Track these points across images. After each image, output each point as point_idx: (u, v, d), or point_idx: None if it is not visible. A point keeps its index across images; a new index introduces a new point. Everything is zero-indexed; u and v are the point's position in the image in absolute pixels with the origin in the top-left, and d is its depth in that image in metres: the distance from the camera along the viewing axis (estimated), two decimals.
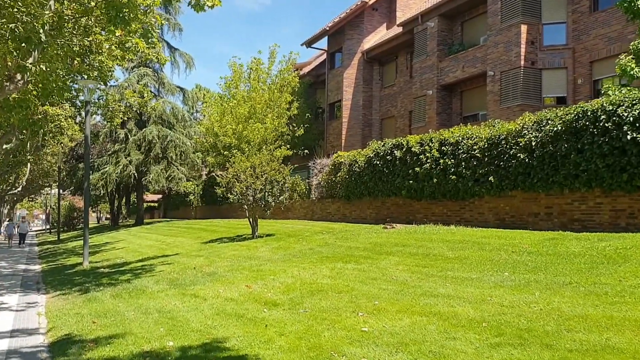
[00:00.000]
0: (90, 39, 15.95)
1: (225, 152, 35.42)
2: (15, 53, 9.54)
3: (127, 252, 19.73)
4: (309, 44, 35.37)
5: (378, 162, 19.17)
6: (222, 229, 23.14)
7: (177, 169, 37.60)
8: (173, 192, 45.95)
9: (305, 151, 29.26)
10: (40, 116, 25.71)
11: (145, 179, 37.19)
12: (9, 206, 59.34)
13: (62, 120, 27.77)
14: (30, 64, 9.67)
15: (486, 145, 14.94)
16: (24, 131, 27.38)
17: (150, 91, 30.50)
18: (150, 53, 18.68)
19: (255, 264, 11.82)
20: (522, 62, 21.80)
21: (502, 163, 14.36)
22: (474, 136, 15.55)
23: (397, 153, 18.09)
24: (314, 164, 25.30)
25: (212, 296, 9.03)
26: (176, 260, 14.57)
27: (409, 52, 30.34)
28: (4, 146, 22.57)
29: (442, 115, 26.22)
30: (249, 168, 16.99)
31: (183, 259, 14.68)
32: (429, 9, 26.71)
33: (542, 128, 13.38)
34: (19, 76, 9.72)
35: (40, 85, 11.11)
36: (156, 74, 37.30)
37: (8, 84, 9.76)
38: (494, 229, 13.95)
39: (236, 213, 34.33)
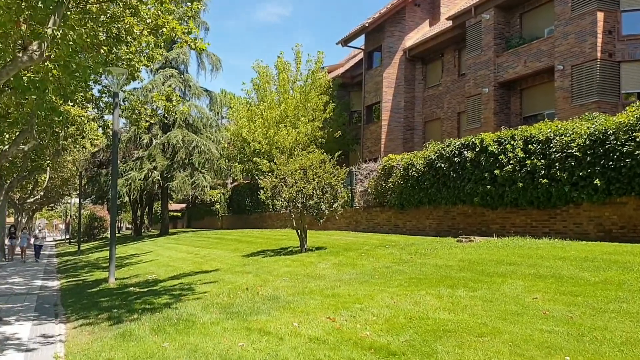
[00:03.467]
0: (119, 25, 13.88)
1: (254, 159, 33.30)
2: (29, 14, 7.36)
3: (157, 266, 17.45)
4: (345, 42, 33.12)
5: (442, 165, 16.76)
6: (259, 240, 20.79)
7: (203, 176, 35.39)
8: (198, 201, 43.84)
9: (342, 156, 26.96)
10: (59, 118, 23.74)
11: (170, 186, 35.03)
12: (27, 215, 57.53)
13: (85, 122, 25.77)
14: (49, 28, 7.45)
15: (588, 142, 12.48)
16: (42, 134, 25.38)
17: (179, 95, 28.27)
18: (187, 40, 16.45)
19: (325, 286, 9.46)
20: (599, 54, 19.30)
21: (611, 163, 11.89)
22: (569, 132, 13.11)
23: (468, 154, 15.67)
24: (358, 168, 22.90)
25: (287, 333, 6.70)
26: (219, 278, 12.24)
27: (457, 49, 27.97)
28: (21, 146, 20.43)
29: (499, 115, 23.74)
30: (299, 170, 14.64)
31: (227, 276, 12.35)
32: (484, 0, 24.28)
33: None
34: (34, 45, 7.49)
35: (61, 62, 8.87)
36: (182, 76, 35.20)
37: (21, 54, 7.56)
38: (603, 242, 11.48)
39: (266, 223, 32.05)
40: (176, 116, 30.79)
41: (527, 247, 11.25)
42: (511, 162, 14.17)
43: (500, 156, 14.48)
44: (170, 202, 44.35)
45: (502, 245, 11.95)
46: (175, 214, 55.89)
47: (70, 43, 8.89)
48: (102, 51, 14.70)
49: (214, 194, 41.14)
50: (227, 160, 37.89)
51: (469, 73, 25.38)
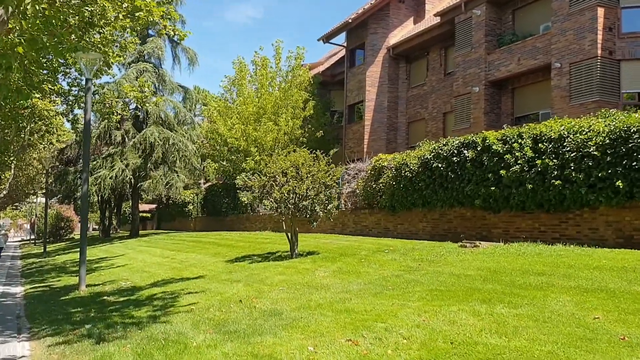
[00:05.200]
0: (92, 8, 12.53)
1: (232, 157, 31.91)
2: None
3: (131, 271, 16.05)
4: (327, 38, 32.01)
5: (439, 165, 15.71)
6: (241, 243, 19.52)
7: (177, 175, 33.89)
8: (170, 202, 42.23)
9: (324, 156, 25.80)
10: (24, 110, 22.13)
11: (142, 185, 33.43)
12: None
13: (52, 116, 24.17)
14: None
15: (607, 141, 11.54)
16: (6, 130, 23.73)
17: (153, 86, 26.79)
18: (167, 25, 15.11)
19: (333, 299, 8.30)
20: (599, 51, 18.52)
21: (635, 163, 10.96)
22: (585, 129, 12.17)
23: (469, 153, 14.65)
24: (346, 169, 21.75)
25: None
26: (205, 287, 10.97)
27: (443, 47, 27.10)
28: None
29: (490, 115, 22.87)
30: (291, 168, 13.45)
31: (214, 285, 11.08)
32: None
33: None
34: None
35: (28, 31, 7.56)
36: (156, 70, 33.67)
37: None
38: (625, 249, 10.54)
39: (244, 225, 30.70)
40: (149, 109, 29.27)
41: (547, 255, 10.26)
42: (519, 162, 13.18)
43: (506, 155, 13.49)
44: (140, 202, 42.63)
45: (516, 252, 10.95)
46: (144, 214, 54.01)
47: (40, 15, 7.62)
48: (72, 37, 13.39)
49: (187, 194, 39.61)
50: (201, 160, 36.43)
51: (457, 71, 24.46)
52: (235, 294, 9.81)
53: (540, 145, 12.91)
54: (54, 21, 8.40)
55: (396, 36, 29.69)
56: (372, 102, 29.49)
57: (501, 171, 13.51)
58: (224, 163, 32.31)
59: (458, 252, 11.79)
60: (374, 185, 19.14)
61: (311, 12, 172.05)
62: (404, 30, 30.02)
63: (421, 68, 28.88)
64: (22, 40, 7.68)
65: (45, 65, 18.73)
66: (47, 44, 7.89)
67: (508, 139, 13.72)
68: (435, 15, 26.29)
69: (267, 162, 14.47)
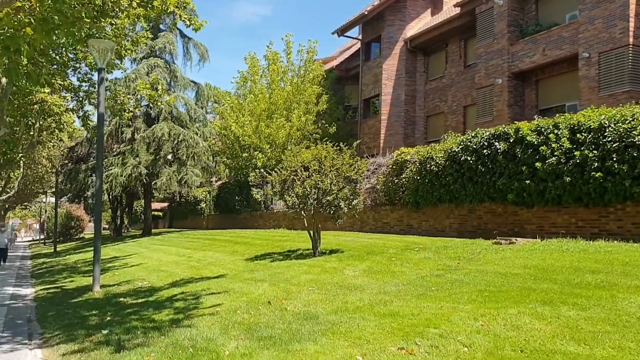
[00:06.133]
0: None
1: (243, 155, 31.25)
2: None
3: (147, 271, 15.41)
4: (341, 31, 31.34)
5: (468, 158, 14.99)
6: (258, 241, 18.86)
7: (191, 172, 33.27)
8: (182, 200, 41.65)
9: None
10: (33, 107, 21.56)
11: (155, 183, 32.83)
12: None
13: (62, 112, 23.61)
14: None
15: None
16: (15, 127, 23.16)
17: (164, 84, 26.16)
18: (182, 15, 14.45)
19: (371, 301, 7.62)
20: (631, 39, 17.73)
21: None
22: (629, 118, 11.43)
23: (500, 145, 13.93)
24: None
25: None
26: (228, 287, 10.31)
27: (463, 39, 26.32)
28: None
29: (513, 108, 22.09)
30: (314, 161, 12.77)
31: (237, 285, 10.42)
32: None
33: None
34: None
35: (38, 10, 6.92)
36: (168, 66, 33.04)
37: None
38: None
39: (258, 223, 30.06)
40: (162, 107, 28.65)
41: (593, 251, 9.55)
42: (555, 153, 12.45)
43: (542, 147, 12.76)
44: (152, 200, 42.08)
45: (558, 249, 10.24)
46: (156, 213, 53.48)
47: None
48: (84, 26, 12.78)
49: (200, 192, 39.02)
50: (213, 157, 35.81)
51: (479, 63, 23.68)
52: (261, 294, 9.15)
53: (578, 135, 12.18)
54: (65, 2, 7.76)
55: (413, 28, 28.96)
56: (388, 96, 28.76)
57: (536, 163, 12.80)
58: (236, 160, 31.70)
59: (495, 249, 11.08)
60: (396, 181, 18.45)
61: (319, 11, 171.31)
62: (421, 22, 29.28)
63: (440, 60, 28.12)
64: (32, 20, 7.04)
65: (54, 58, 18.21)
66: (59, 23, 7.23)
67: (543, 129, 13.00)
68: (455, 5, 25.54)
69: (287, 156, 13.74)
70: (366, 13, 28.58)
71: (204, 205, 38.86)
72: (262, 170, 27.14)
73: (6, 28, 7.08)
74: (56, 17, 7.09)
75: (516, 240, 12.12)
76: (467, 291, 7.49)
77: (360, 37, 31.73)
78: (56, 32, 7.07)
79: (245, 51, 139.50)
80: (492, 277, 8.21)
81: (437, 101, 27.90)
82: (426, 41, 27.97)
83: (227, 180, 38.68)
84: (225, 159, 33.42)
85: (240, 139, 30.06)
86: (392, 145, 27.38)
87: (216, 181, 45.95)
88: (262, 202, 31.05)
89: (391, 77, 28.87)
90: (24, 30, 6.91)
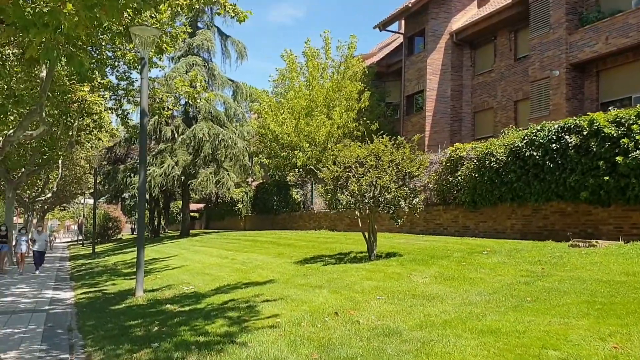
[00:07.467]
0: None
1: (282, 154, 30.39)
2: None
3: (190, 274, 14.59)
4: (383, 26, 30.33)
5: (534, 153, 13.82)
6: (302, 243, 17.94)
7: (228, 173, 32.57)
8: (219, 201, 41.02)
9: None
10: (72, 103, 21.04)
11: (192, 183, 32.21)
12: (38, 215, 54.81)
13: (102, 111, 23.07)
14: None
15: None
16: (54, 127, 22.71)
17: (203, 82, 25.50)
18: (227, 4, 13.64)
19: (460, 314, 6.59)
20: None
21: None
22: None
23: (571, 139, 12.74)
24: None
25: None
26: (283, 294, 9.37)
27: (513, 30, 25.07)
28: (29, 132, 17.66)
29: (572, 101, 20.77)
30: (371, 156, 11.77)
31: (293, 292, 9.47)
32: None
33: None
34: None
35: None
36: (206, 64, 32.42)
37: None
38: None
39: (297, 224, 29.14)
40: (200, 105, 27.98)
41: None
42: (639, 146, 11.25)
43: (623, 140, 11.55)
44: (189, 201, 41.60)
45: None
46: (193, 214, 53.07)
47: None
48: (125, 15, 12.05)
49: (237, 192, 38.32)
50: (251, 157, 35.08)
51: (533, 55, 22.38)
52: (323, 303, 8.19)
53: None
54: None
55: (459, 21, 27.79)
56: (433, 92, 27.64)
57: (617, 158, 11.59)
58: (275, 160, 30.87)
59: (577, 253, 9.93)
60: (451, 179, 17.34)
61: (353, 9, 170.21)
62: (467, 15, 28.09)
63: (488, 54, 26.88)
64: None
65: (93, 56, 17.63)
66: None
67: (624, 120, 11.78)
68: None
69: (340, 152, 12.75)
70: (410, 6, 27.52)
71: (241, 205, 38.15)
72: (303, 168, 26.24)
73: (43, 3, 6.26)
74: None
75: (597, 242, 10.94)
76: (572, 302, 6.41)
77: (402, 31, 30.65)
78: (98, 7, 6.19)
79: (278, 53, 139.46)
80: (593, 286, 7.11)
81: (485, 96, 26.67)
82: (473, 34, 26.79)
83: (262, 180, 37.93)
84: (263, 159, 32.64)
85: (279, 137, 29.21)
86: (438, 142, 26.29)
87: (252, 181, 45.29)
88: (302, 203, 30.18)
89: (436, 72, 27.74)
90: (64, 4, 6.07)
